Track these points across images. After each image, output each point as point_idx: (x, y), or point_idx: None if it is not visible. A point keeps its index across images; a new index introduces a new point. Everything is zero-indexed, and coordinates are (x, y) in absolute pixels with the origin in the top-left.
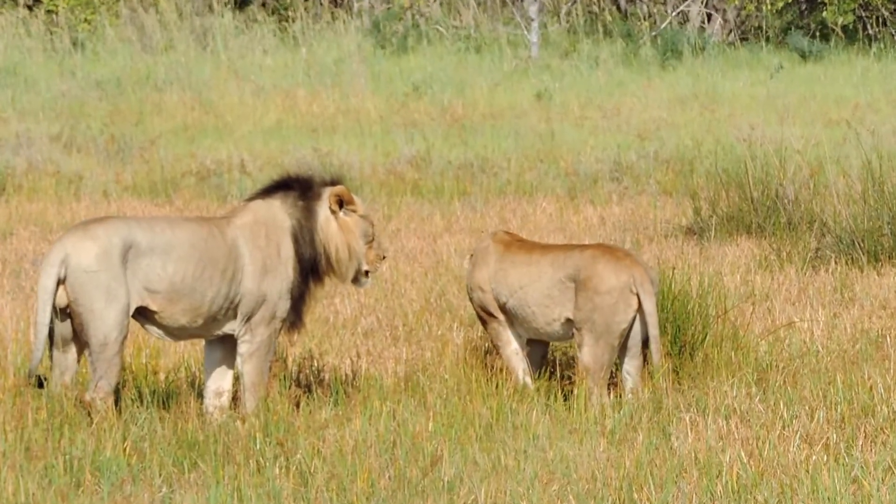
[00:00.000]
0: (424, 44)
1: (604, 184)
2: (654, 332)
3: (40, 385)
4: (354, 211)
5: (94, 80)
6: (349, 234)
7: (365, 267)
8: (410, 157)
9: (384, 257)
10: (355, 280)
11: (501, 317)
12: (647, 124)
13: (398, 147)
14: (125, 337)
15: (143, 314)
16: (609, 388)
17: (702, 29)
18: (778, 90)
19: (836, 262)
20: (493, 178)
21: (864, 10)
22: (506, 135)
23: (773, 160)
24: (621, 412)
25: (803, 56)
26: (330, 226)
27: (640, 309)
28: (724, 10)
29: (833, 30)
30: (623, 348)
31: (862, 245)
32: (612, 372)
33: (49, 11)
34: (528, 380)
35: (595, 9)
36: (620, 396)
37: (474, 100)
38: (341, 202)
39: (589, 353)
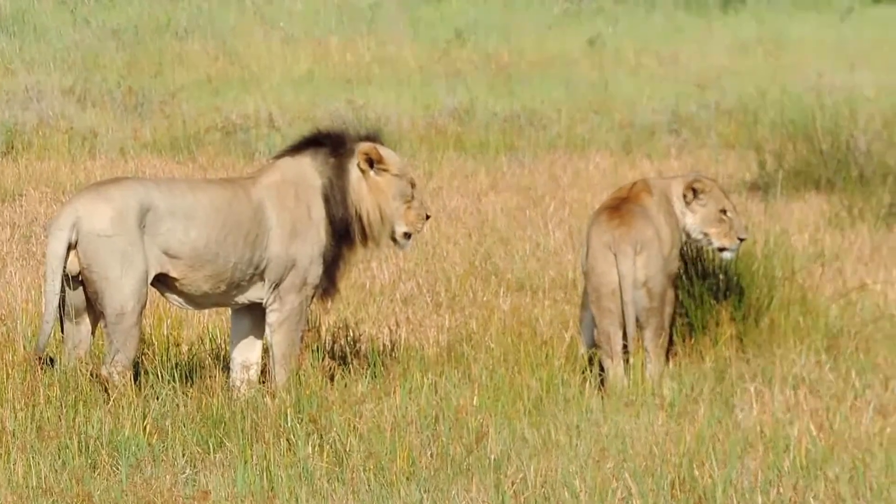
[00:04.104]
0: None
1: (661, 136)
2: (625, 297)
3: (51, 364)
4: (386, 170)
5: (109, 29)
6: (380, 196)
7: (403, 228)
8: (452, 109)
9: (427, 217)
10: (394, 242)
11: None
12: (707, 72)
13: (439, 98)
14: (143, 306)
15: (162, 282)
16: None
17: None
18: (848, 34)
19: None
20: (542, 131)
21: None
22: (555, 84)
23: (844, 109)
24: (680, 383)
25: None
26: (361, 186)
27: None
28: None
29: None
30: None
31: None
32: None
33: None
34: (584, 350)
35: None
36: (679, 366)
37: (521, 47)
38: (371, 161)
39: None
